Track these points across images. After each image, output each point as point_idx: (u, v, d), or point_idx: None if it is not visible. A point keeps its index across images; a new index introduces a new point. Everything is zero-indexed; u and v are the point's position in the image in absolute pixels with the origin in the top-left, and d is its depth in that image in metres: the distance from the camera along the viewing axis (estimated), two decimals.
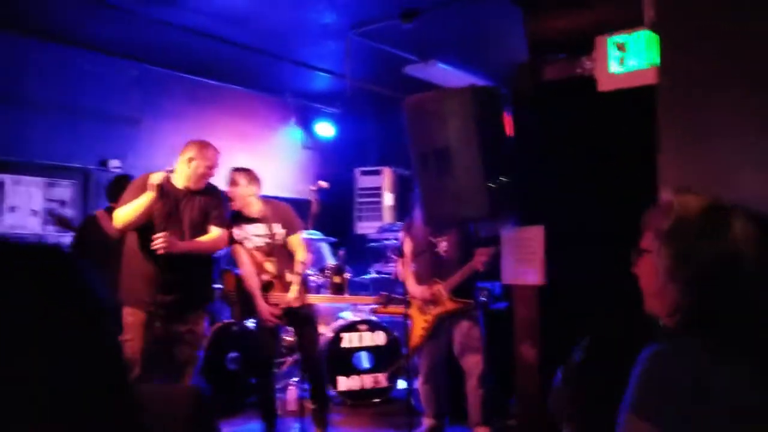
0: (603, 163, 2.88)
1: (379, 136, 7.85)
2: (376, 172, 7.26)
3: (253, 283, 3.93)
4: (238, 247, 3.97)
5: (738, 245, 1.13)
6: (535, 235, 2.98)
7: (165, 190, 3.40)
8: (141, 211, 3.36)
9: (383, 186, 7.21)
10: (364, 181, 7.27)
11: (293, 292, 3.86)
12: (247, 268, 3.96)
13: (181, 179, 3.54)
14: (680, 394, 1.08)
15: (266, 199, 4.07)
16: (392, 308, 4.22)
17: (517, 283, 3.08)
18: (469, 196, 2.89)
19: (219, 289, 5.27)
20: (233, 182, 3.91)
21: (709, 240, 1.14)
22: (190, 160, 3.50)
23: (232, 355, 4.99)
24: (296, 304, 3.84)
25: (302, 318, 3.96)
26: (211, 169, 3.55)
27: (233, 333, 5.05)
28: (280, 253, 3.95)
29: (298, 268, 3.91)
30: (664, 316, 1.21)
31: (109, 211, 4.15)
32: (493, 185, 2.87)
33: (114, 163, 5.42)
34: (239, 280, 4.05)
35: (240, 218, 3.98)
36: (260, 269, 3.97)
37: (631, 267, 1.28)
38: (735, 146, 1.74)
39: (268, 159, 6.91)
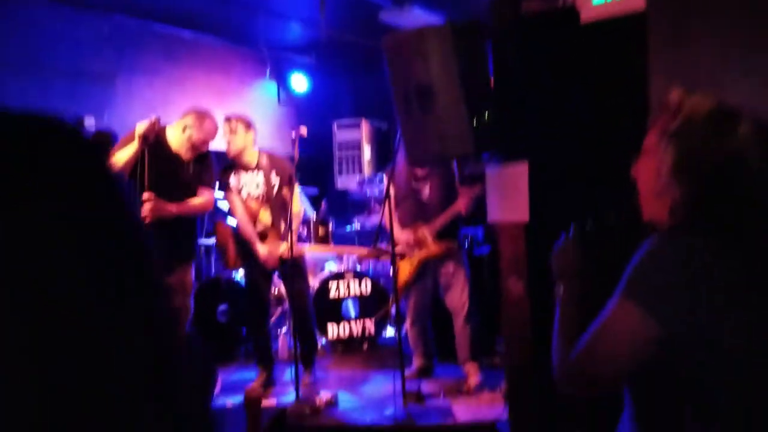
0: (587, 97, 2.92)
1: (355, 89, 7.81)
2: (354, 125, 7.24)
3: (249, 230, 3.97)
4: (232, 196, 3.99)
5: (744, 146, 1.15)
6: (519, 172, 3.02)
7: (155, 142, 3.38)
8: (125, 160, 3.32)
9: (361, 139, 7.21)
10: (341, 135, 7.25)
11: (287, 242, 3.90)
12: (241, 216, 3.98)
13: (174, 142, 3.53)
14: (678, 286, 1.11)
15: (262, 150, 4.07)
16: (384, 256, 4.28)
17: (503, 220, 3.13)
18: (453, 134, 2.91)
19: (213, 238, 5.32)
20: (232, 130, 3.89)
21: (716, 139, 1.15)
22: (185, 128, 3.49)
23: (222, 307, 5.04)
24: (289, 255, 3.88)
25: (294, 269, 4.00)
26: (205, 143, 3.54)
27: (221, 286, 5.09)
28: (275, 203, 3.97)
29: (293, 219, 3.95)
30: (664, 218, 1.22)
31: None
32: (476, 122, 2.91)
33: (89, 121, 5.32)
34: (234, 229, 4.08)
35: (236, 167, 3.99)
36: (254, 219, 3.99)
37: (630, 170, 1.30)
38: (723, 64, 1.78)
39: (239, 112, 6.85)
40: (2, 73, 4.83)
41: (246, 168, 3.99)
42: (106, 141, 4.32)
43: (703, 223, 1.17)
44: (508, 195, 3.10)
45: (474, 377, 3.79)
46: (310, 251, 4.68)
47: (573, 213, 3.12)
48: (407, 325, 4.19)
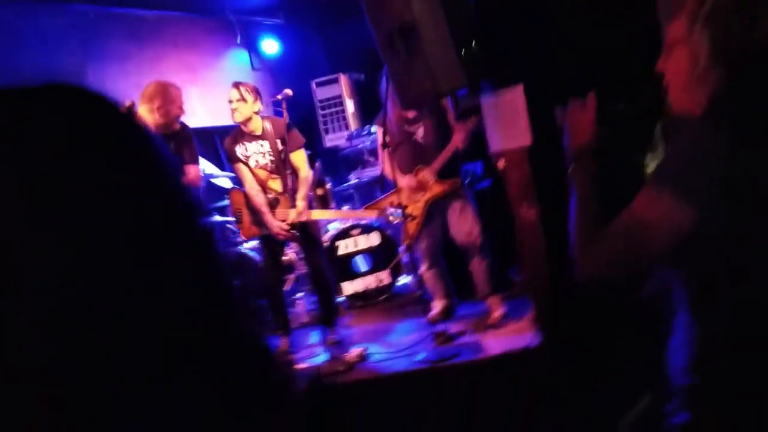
0: (576, 7, 2.85)
1: (328, 44, 7.64)
2: (332, 81, 7.11)
3: (260, 199, 3.94)
4: (240, 166, 3.96)
5: None
6: (515, 96, 2.97)
7: None
8: None
9: (342, 94, 7.09)
10: (321, 93, 7.13)
11: (298, 208, 3.86)
12: (250, 185, 3.95)
13: (151, 127, 3.40)
14: (716, 179, 1.09)
15: (265, 116, 4.00)
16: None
17: (506, 147, 3.10)
18: (443, 69, 2.85)
19: (227, 207, 5.29)
20: (241, 98, 3.82)
21: (750, 19, 1.10)
22: (159, 107, 3.36)
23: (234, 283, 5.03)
24: (302, 219, 3.85)
25: (307, 234, 3.98)
26: (182, 108, 3.46)
27: (230, 262, 5.07)
28: (283, 169, 3.92)
29: (302, 184, 3.90)
30: (698, 110, 1.17)
31: None
32: (464, 54, 2.84)
33: None
34: (246, 198, 4.04)
35: (242, 136, 3.94)
36: (265, 187, 3.96)
37: (657, 66, 1.25)
38: None
39: (218, 87, 6.69)
40: None
41: (252, 137, 3.95)
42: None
43: (741, 116, 1.12)
44: (507, 122, 3.05)
45: (498, 310, 3.81)
46: (316, 216, 4.63)
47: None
48: (422, 271, 4.17)
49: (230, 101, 3.88)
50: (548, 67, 2.97)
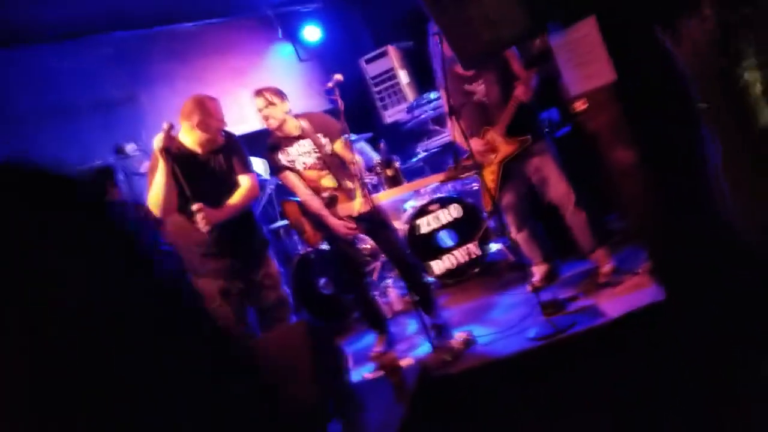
0: None
1: (369, 19, 7.37)
2: (381, 55, 6.85)
3: (315, 203, 3.73)
4: (287, 174, 3.75)
5: None
6: (588, 31, 2.61)
7: (177, 151, 3.13)
8: (164, 186, 3.03)
9: (394, 66, 6.82)
10: (372, 69, 6.88)
11: (358, 198, 3.65)
12: (303, 192, 3.75)
13: (195, 144, 3.21)
14: None
15: (299, 114, 3.80)
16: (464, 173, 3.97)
17: (588, 88, 2.75)
18: (500, 13, 2.53)
19: (284, 220, 5.16)
20: (269, 103, 3.63)
21: None
22: (200, 124, 3.15)
23: (322, 281, 4.90)
24: (366, 209, 3.62)
25: (375, 222, 3.74)
26: (222, 122, 3.24)
27: (313, 261, 4.94)
28: (333, 163, 3.68)
29: (354, 172, 3.68)
30: None
31: None
32: None
33: (131, 147, 5.18)
34: (302, 206, 3.86)
35: (280, 141, 3.74)
36: (318, 187, 3.76)
37: None
38: None
39: (268, 84, 6.58)
40: (35, 126, 4.73)
41: (290, 140, 3.73)
42: (106, 175, 4.17)
43: None
44: (585, 60, 2.70)
45: (607, 264, 3.49)
46: (387, 198, 4.40)
47: (662, 62, 2.73)
48: (514, 234, 3.90)
49: (259, 110, 3.68)
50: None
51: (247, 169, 3.38)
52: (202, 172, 3.22)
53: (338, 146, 3.73)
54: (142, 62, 5.58)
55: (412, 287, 3.81)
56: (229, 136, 3.39)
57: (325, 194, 3.75)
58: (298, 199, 3.85)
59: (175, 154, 3.09)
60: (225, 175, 3.29)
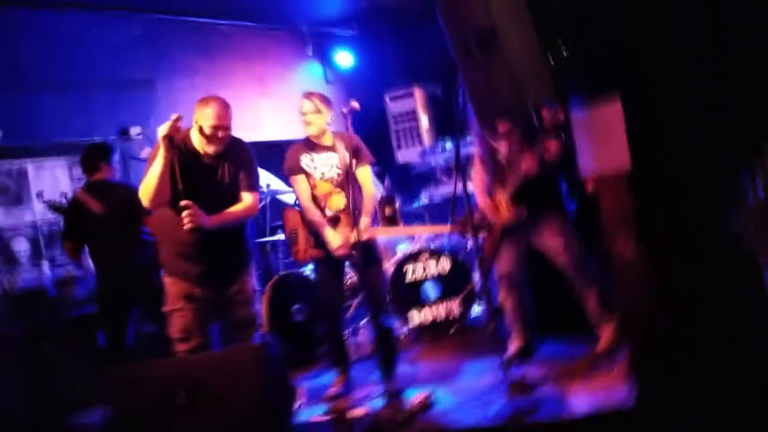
0: (694, 10, 2.39)
1: (402, 56, 7.36)
2: (407, 95, 6.81)
3: (316, 213, 3.60)
4: (300, 178, 3.63)
5: None
6: (611, 110, 2.52)
7: (184, 148, 3.02)
8: (159, 176, 2.89)
9: (417, 108, 6.78)
10: (395, 107, 6.85)
11: (362, 223, 3.50)
12: (306, 199, 3.62)
13: (197, 145, 3.09)
14: None
15: (334, 132, 3.72)
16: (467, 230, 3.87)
17: (600, 171, 2.65)
18: (526, 78, 2.46)
19: (275, 235, 5.05)
20: (316, 110, 3.56)
21: None
22: (196, 122, 3.04)
23: (296, 306, 4.75)
24: (366, 237, 3.48)
25: (368, 256, 3.60)
26: (217, 129, 3.01)
27: (291, 284, 4.80)
28: (350, 186, 3.54)
29: (367, 201, 3.59)
30: None
31: (88, 187, 3.91)
32: (552, 59, 2.43)
33: (135, 131, 5.11)
34: (302, 217, 3.73)
35: (311, 146, 3.65)
36: (326, 202, 3.64)
37: None
38: None
39: (289, 100, 6.50)
40: (40, 94, 4.66)
41: (321, 148, 3.65)
42: (103, 152, 4.07)
43: None
44: (602, 140, 2.60)
45: (604, 342, 3.46)
46: (381, 235, 4.25)
47: (682, 156, 2.64)
48: (500, 298, 3.79)
49: (303, 113, 3.59)
50: (656, 80, 2.52)
51: (253, 187, 3.24)
52: (204, 176, 3.09)
53: (362, 172, 3.67)
54: (167, 49, 5.54)
55: (379, 338, 3.66)
56: (243, 147, 3.26)
57: (330, 212, 3.63)
58: (300, 207, 3.74)
59: (179, 147, 2.97)
60: (227, 187, 3.16)
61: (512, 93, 2.49)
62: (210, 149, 3.06)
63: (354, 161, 3.58)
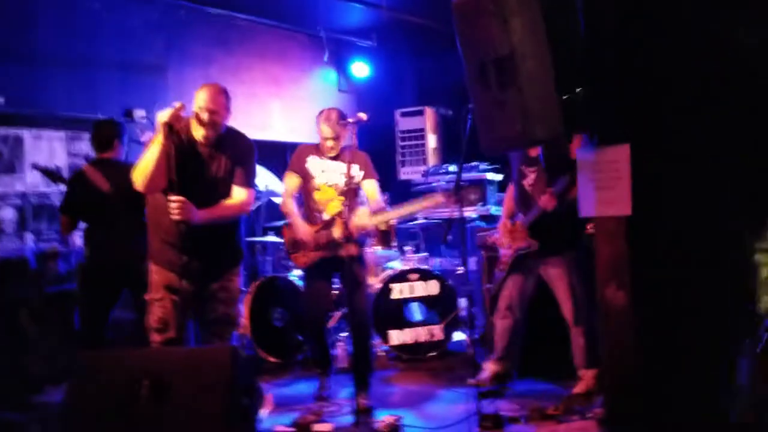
0: (707, 62, 2.35)
1: (418, 74, 7.35)
2: (418, 113, 6.80)
3: (293, 208, 3.70)
4: (295, 177, 3.73)
5: None
6: (619, 157, 2.48)
7: (183, 137, 2.96)
8: (155, 161, 2.83)
9: (426, 127, 6.76)
10: (404, 123, 6.83)
11: (362, 216, 3.50)
12: (289, 195, 3.73)
13: (195, 132, 3.02)
14: None
15: (346, 146, 3.75)
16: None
17: (599, 214, 2.60)
18: (538, 112, 2.40)
19: (275, 231, 5.07)
20: (336, 136, 3.67)
21: None
22: (194, 109, 2.99)
23: (278, 311, 4.68)
24: (361, 226, 3.49)
25: (351, 270, 3.55)
26: (205, 111, 2.93)
27: (277, 288, 4.73)
28: (350, 197, 3.61)
29: (374, 206, 3.66)
30: None
31: (97, 163, 3.82)
32: (566, 97, 2.39)
33: (140, 113, 5.07)
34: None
35: (323, 150, 3.74)
36: (325, 206, 3.69)
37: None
38: None
39: (301, 103, 6.51)
40: (49, 66, 4.62)
41: (334, 156, 3.74)
42: (118, 130, 3.97)
43: None
44: (606, 184, 2.56)
45: (583, 384, 3.51)
46: (379, 220, 4.04)
47: (684, 206, 2.59)
48: (496, 317, 3.83)
49: (324, 137, 3.70)
50: (665, 128, 2.48)
51: (248, 183, 3.17)
52: (199, 166, 3.03)
53: (369, 185, 3.74)
54: (182, 37, 5.51)
55: (357, 355, 3.65)
56: (244, 142, 3.20)
57: (327, 216, 3.66)
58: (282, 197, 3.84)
59: (179, 136, 2.92)
60: (222, 180, 3.09)
61: (520, 124, 2.44)
62: (200, 133, 2.98)
63: (362, 173, 3.71)
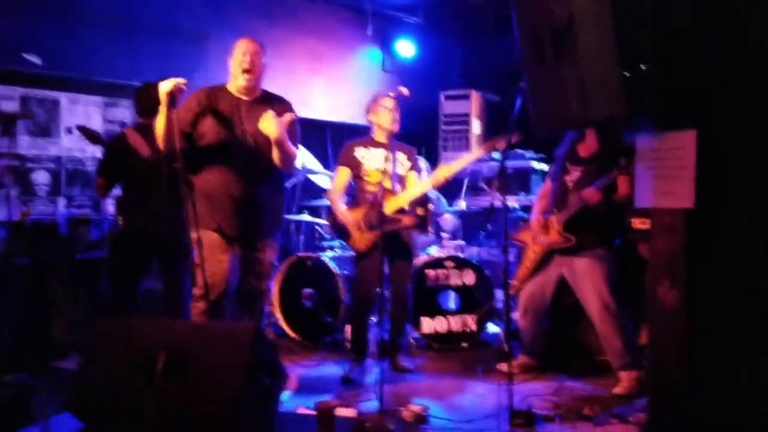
0: None
1: (465, 55, 7.12)
2: (463, 97, 6.58)
3: (339, 202, 3.80)
4: (346, 171, 3.83)
5: None
6: (684, 144, 2.26)
7: (217, 99, 3.07)
8: (162, 127, 2.94)
9: (470, 112, 6.54)
10: (449, 107, 6.62)
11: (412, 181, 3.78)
12: (338, 191, 3.84)
13: (233, 87, 3.17)
14: None
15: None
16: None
17: (657, 206, 2.39)
18: (597, 88, 2.21)
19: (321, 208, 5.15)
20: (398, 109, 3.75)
21: None
22: (230, 61, 3.17)
23: (307, 291, 4.57)
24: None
25: (398, 244, 3.71)
26: (244, 54, 3.09)
27: (308, 268, 4.61)
28: (397, 180, 3.75)
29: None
30: None
31: (139, 128, 3.72)
32: (630, 74, 2.18)
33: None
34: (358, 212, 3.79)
35: (370, 143, 3.86)
36: (374, 189, 3.67)
37: None
38: None
39: (344, 82, 6.36)
40: (90, 28, 4.54)
41: (380, 144, 3.82)
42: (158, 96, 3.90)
43: None
44: (667, 174, 2.34)
45: (622, 387, 3.35)
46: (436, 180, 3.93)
47: (750, 201, 2.36)
48: (518, 316, 3.79)
49: (390, 109, 3.74)
50: (737, 115, 2.25)
51: (295, 141, 3.22)
52: (243, 122, 3.12)
53: (412, 176, 3.87)
54: (226, 5, 5.40)
55: (394, 333, 3.85)
56: (285, 102, 3.28)
57: (379, 192, 3.55)
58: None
59: (216, 100, 3.10)
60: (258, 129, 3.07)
61: (578, 102, 2.24)
62: (241, 83, 3.10)
63: (409, 163, 3.86)
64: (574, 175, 3.60)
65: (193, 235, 2.96)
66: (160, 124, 2.94)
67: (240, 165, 3.08)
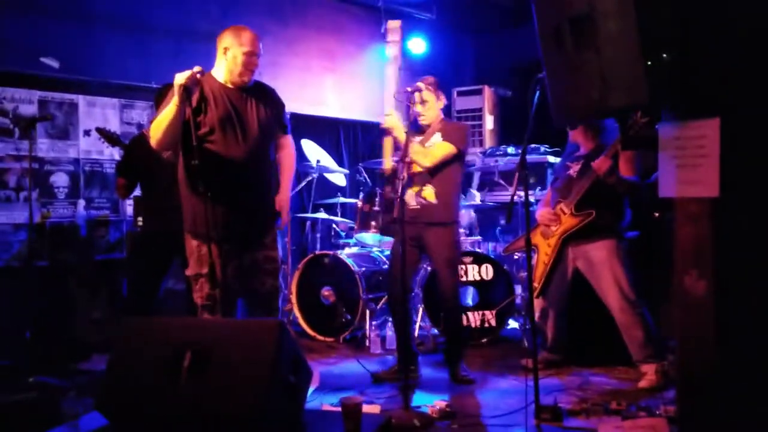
0: None
1: (478, 51, 7.09)
2: (475, 92, 6.58)
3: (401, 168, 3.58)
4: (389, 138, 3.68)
5: None
6: (708, 132, 2.23)
7: (202, 92, 2.89)
8: (169, 122, 2.74)
9: (483, 108, 6.53)
10: (462, 103, 6.63)
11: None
12: (387, 154, 3.76)
13: (224, 76, 2.97)
14: None
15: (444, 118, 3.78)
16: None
17: (680, 195, 2.36)
18: (618, 77, 2.18)
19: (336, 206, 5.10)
20: (426, 98, 3.64)
21: None
22: (226, 50, 2.95)
23: (326, 289, 4.57)
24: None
25: (439, 235, 3.56)
26: (252, 55, 2.95)
27: (326, 266, 4.62)
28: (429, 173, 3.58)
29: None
30: None
31: None
32: (651, 63, 2.15)
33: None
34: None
35: (417, 130, 3.72)
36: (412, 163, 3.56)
37: None
38: None
39: (356, 79, 6.36)
40: (105, 32, 4.57)
41: (421, 130, 3.72)
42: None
43: None
44: (691, 162, 2.31)
45: (647, 380, 3.31)
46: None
47: None
48: (537, 312, 3.69)
49: (422, 102, 3.65)
50: (762, 101, 2.22)
51: (288, 129, 3.17)
52: (234, 113, 2.94)
53: (440, 144, 3.64)
54: (237, 5, 5.41)
55: (446, 330, 3.80)
56: (273, 91, 3.16)
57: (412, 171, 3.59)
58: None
59: (189, 91, 2.79)
60: (262, 125, 3.00)
61: (599, 90, 2.21)
62: (242, 78, 2.96)
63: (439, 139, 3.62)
64: (575, 167, 3.60)
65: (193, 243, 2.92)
66: (165, 116, 2.76)
67: (243, 149, 2.94)
